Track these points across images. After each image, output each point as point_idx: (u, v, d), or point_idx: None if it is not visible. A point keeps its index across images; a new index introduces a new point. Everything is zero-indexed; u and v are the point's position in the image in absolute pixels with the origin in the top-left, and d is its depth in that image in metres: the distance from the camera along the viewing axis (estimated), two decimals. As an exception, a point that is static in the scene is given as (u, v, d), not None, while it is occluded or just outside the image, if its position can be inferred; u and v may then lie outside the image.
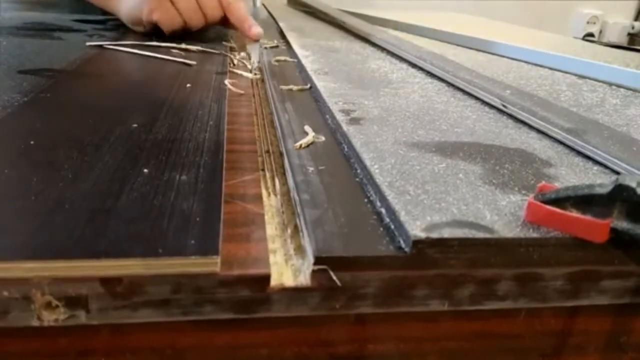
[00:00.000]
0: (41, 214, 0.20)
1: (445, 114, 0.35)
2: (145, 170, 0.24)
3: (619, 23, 1.90)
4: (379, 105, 0.35)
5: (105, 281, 0.18)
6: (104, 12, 0.68)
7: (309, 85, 0.42)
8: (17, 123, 0.30)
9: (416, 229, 0.19)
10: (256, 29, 0.60)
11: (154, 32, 0.60)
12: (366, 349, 0.22)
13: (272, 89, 0.41)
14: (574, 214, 0.20)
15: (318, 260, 0.19)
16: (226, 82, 0.43)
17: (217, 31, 0.69)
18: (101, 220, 0.20)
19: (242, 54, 0.57)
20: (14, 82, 0.37)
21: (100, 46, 0.53)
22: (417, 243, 0.19)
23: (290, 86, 0.42)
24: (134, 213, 0.20)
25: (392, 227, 0.21)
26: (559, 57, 0.55)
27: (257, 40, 0.56)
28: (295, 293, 0.19)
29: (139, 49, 0.52)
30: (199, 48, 0.55)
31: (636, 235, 0.19)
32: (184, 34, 0.59)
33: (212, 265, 0.18)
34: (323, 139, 0.30)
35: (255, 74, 0.49)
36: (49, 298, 0.17)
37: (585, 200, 0.20)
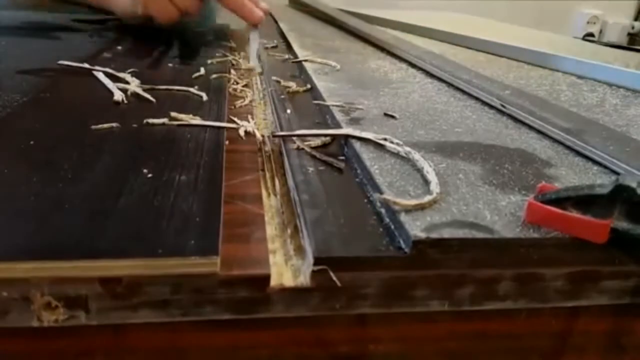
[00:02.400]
0: (41, 214, 0.20)
1: (445, 114, 0.35)
2: (145, 170, 0.24)
3: (619, 23, 1.91)
4: (379, 105, 0.35)
5: (105, 281, 0.18)
6: (104, 12, 0.68)
7: (309, 85, 0.42)
8: (17, 123, 0.30)
9: (416, 229, 0.19)
10: (258, 12, 0.56)
11: (150, 25, 0.60)
12: (366, 349, 0.22)
13: (272, 89, 0.41)
14: (574, 214, 0.20)
15: (318, 261, 0.19)
16: (226, 81, 0.43)
17: (216, 32, 0.69)
18: (101, 220, 0.20)
19: (242, 54, 0.58)
20: (14, 82, 0.37)
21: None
22: (417, 243, 0.19)
23: (291, 86, 0.41)
24: (134, 213, 0.20)
25: (392, 227, 0.21)
26: (559, 57, 0.55)
27: (255, 26, 0.54)
28: (295, 293, 0.19)
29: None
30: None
31: (636, 235, 0.19)
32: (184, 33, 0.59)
33: (211, 265, 0.18)
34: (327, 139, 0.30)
35: (256, 73, 0.49)
36: (48, 298, 0.17)
37: (585, 201, 0.20)
